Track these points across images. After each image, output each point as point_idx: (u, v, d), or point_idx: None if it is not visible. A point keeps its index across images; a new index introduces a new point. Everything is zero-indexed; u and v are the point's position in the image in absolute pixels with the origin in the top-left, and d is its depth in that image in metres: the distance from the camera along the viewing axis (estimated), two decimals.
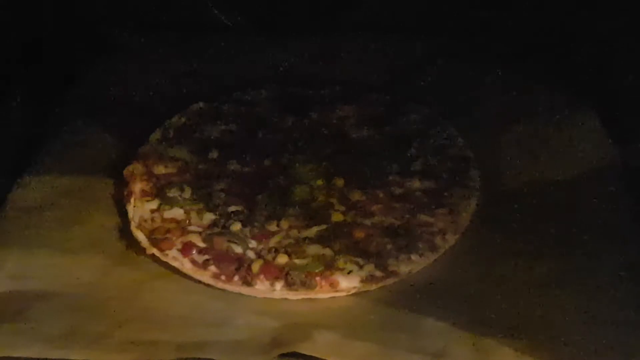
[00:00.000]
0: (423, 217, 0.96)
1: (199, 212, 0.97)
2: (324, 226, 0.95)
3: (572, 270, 0.89)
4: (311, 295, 0.89)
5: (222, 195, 0.99)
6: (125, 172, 1.01)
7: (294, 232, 0.94)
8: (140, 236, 0.94)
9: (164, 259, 0.92)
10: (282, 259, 0.91)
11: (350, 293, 0.89)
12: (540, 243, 0.92)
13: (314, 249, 0.92)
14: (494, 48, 1.15)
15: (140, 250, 0.93)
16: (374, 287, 0.89)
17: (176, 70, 1.17)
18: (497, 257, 0.91)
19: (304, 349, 0.81)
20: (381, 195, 0.99)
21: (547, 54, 1.11)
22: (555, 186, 0.99)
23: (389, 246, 0.92)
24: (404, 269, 0.90)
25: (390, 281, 0.90)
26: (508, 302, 0.86)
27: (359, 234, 0.94)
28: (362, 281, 0.89)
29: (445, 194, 0.98)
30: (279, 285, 0.89)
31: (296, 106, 1.10)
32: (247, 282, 0.89)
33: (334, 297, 0.89)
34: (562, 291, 0.87)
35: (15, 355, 0.81)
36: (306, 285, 0.89)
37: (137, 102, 1.12)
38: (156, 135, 1.07)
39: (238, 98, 1.12)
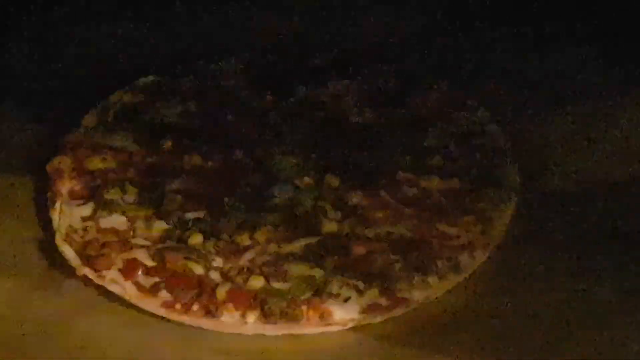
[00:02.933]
0: (443, 227, 0.88)
1: (147, 220, 0.89)
2: (312, 239, 0.87)
3: (636, 296, 0.81)
4: (295, 330, 0.81)
5: (178, 197, 0.91)
6: (48, 167, 0.94)
7: (272, 247, 0.86)
8: (68, 252, 0.86)
9: (99, 282, 0.84)
10: (257, 282, 0.83)
11: (346, 327, 0.82)
12: (595, 261, 0.84)
13: (299, 269, 0.84)
14: (537, 12, 1.09)
15: (68, 270, 0.85)
16: (378, 319, 0.82)
17: (118, 33, 1.10)
18: (539, 281, 0.84)
19: None
20: (388, 198, 0.91)
21: (604, 29, 1.06)
22: (613, 188, 0.92)
23: (398, 265, 0.84)
24: (417, 295, 0.83)
25: (399, 311, 0.82)
26: (549, 341, 0.78)
27: (359, 250, 0.86)
28: (362, 311, 0.81)
29: (473, 196, 0.91)
30: (252, 316, 0.81)
31: (277, 80, 1.04)
32: (211, 313, 0.82)
33: (325, 332, 0.81)
34: (624, 325, 0.78)
35: None
36: (289, 316, 0.81)
37: (64, 77, 1.05)
38: (90, 118, 1.00)
39: (201, 69, 1.06)
